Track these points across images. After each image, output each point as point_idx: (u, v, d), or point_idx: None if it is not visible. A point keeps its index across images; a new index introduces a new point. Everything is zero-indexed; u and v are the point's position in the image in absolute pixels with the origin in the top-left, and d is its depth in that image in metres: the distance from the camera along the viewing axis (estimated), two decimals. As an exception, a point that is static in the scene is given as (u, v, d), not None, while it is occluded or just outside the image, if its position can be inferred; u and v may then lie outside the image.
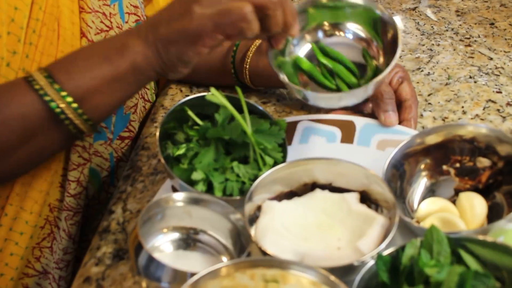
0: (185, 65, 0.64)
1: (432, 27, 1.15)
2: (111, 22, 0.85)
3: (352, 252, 0.57)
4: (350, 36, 0.74)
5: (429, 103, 0.90)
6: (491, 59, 1.02)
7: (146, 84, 0.72)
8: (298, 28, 0.65)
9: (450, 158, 0.68)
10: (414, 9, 1.22)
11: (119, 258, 0.68)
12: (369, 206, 0.63)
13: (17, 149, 0.65)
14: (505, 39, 1.08)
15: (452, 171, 0.68)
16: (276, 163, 0.67)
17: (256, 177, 0.64)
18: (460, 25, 1.14)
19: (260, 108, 0.72)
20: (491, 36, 1.09)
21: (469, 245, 0.54)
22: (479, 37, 1.09)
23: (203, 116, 0.72)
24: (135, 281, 0.63)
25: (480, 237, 0.53)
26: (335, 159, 0.66)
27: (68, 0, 0.79)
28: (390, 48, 0.69)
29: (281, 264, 0.50)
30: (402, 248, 0.55)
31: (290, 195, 0.66)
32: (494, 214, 0.63)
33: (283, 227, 0.61)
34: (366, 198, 0.64)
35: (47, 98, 0.62)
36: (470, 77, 0.96)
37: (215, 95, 0.66)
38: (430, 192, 0.69)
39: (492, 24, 1.14)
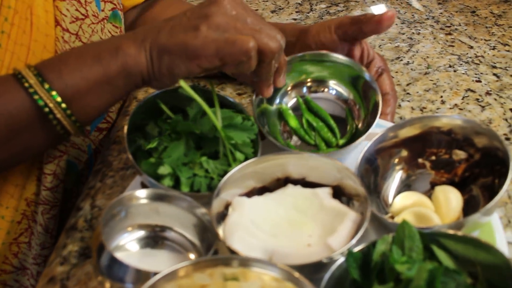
0: (172, 78, 0.63)
1: (413, 15, 1.13)
2: (86, 10, 0.82)
3: (322, 249, 0.55)
4: (334, 93, 0.76)
5: (408, 93, 0.88)
6: (472, 47, 1.00)
7: (133, 90, 0.70)
8: (284, 81, 0.69)
9: (425, 151, 0.66)
10: (394, -3, 1.20)
11: (85, 256, 0.66)
12: (342, 201, 0.61)
13: (1, 145, 0.63)
14: (486, 27, 1.06)
15: (427, 164, 0.67)
16: (247, 159, 0.65)
17: (225, 173, 0.62)
18: (441, 13, 1.13)
19: (232, 100, 0.70)
20: (472, 24, 1.08)
21: (442, 240, 0.52)
22: (460, 25, 1.08)
23: (178, 110, 0.69)
24: (100, 281, 0.61)
25: (453, 232, 0.52)
26: (308, 153, 0.64)
27: None
28: (371, 110, 0.71)
29: (243, 262, 0.48)
30: (373, 244, 0.53)
31: (262, 190, 0.64)
32: (470, 208, 0.61)
33: (252, 224, 0.59)
34: (339, 193, 0.62)
35: (36, 97, 0.61)
36: (450, 66, 0.95)
37: (184, 88, 0.63)
38: (406, 186, 0.67)
39: (474, 12, 1.12)
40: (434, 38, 1.04)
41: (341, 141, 0.72)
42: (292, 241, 0.57)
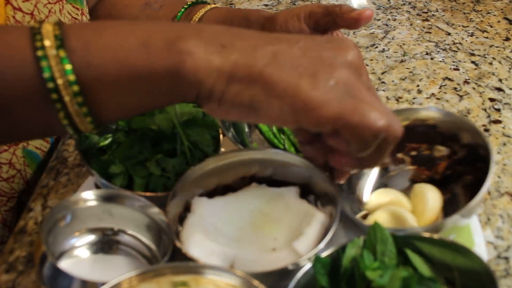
0: (246, 116, 0.46)
1: (388, 0, 1.08)
2: None
3: (288, 254, 0.50)
4: None
5: (383, 82, 0.84)
6: (449, 34, 0.96)
7: (174, 103, 0.53)
8: None
9: (405, 146, 0.62)
10: (370, -18, 1.15)
11: (33, 263, 0.60)
12: (310, 201, 0.56)
13: None
14: (464, 13, 1.02)
15: (407, 159, 0.62)
16: (207, 157, 0.60)
17: (184, 172, 0.57)
18: (418, -2, 1.08)
19: None
20: (450, 10, 1.04)
21: (417, 244, 0.48)
22: (437, 11, 1.03)
23: None
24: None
25: (428, 235, 0.47)
26: (274, 149, 0.60)
27: None
28: None
29: (196, 270, 0.43)
30: (342, 249, 0.48)
31: (225, 190, 0.59)
32: (450, 208, 0.56)
33: (212, 227, 0.54)
34: (307, 192, 0.57)
35: (43, 64, 0.43)
36: (427, 54, 0.90)
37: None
38: (383, 183, 0.62)
39: (451, -3, 1.08)
40: (411, 25, 0.99)
41: None
42: (256, 245, 0.53)
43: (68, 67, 0.43)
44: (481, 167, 0.54)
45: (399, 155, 0.62)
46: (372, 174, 0.62)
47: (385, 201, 0.58)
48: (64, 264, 0.52)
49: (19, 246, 0.63)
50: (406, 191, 0.60)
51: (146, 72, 0.44)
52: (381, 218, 0.55)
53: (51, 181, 0.71)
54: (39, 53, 0.43)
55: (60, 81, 0.43)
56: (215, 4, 0.79)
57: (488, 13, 1.02)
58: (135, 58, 0.44)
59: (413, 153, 0.62)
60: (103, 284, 0.44)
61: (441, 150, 0.60)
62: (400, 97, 0.80)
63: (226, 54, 0.44)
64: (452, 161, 0.60)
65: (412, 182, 0.61)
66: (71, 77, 0.43)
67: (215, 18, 0.76)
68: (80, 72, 0.43)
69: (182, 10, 0.79)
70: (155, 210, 0.54)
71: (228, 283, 0.43)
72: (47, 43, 0.43)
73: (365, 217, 0.58)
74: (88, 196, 0.53)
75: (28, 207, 0.68)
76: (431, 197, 0.56)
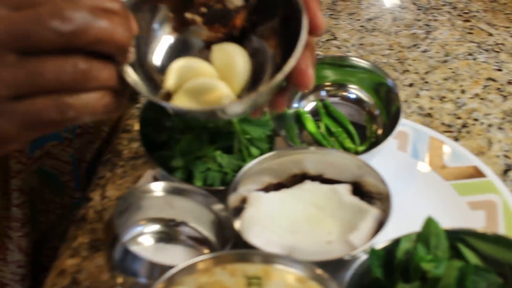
0: None
1: (429, 1, 1.09)
2: None
3: (343, 246, 0.53)
4: (354, 97, 0.73)
5: (426, 82, 0.86)
6: (491, 35, 0.97)
7: None
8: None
9: (192, 2, 0.53)
10: (410, -18, 1.17)
11: (96, 249, 0.64)
12: (361, 198, 0.59)
13: None
14: (505, 13, 1.03)
15: (198, 19, 0.52)
16: (262, 155, 0.63)
17: (239, 168, 0.60)
18: (459, -1, 1.09)
19: None
20: (491, 10, 1.05)
21: (469, 239, 0.50)
22: (478, 12, 1.04)
23: None
24: (112, 275, 0.59)
25: (481, 231, 0.49)
26: (326, 148, 0.62)
27: None
28: (393, 117, 0.68)
29: (265, 258, 0.45)
30: (396, 242, 0.51)
31: (278, 186, 0.62)
32: (259, 61, 0.51)
33: (269, 219, 0.57)
34: (358, 190, 0.60)
35: None
36: (469, 54, 0.92)
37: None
38: (177, 51, 0.53)
39: (492, -3, 1.09)
40: (452, 25, 1.01)
41: (360, 148, 0.69)
42: (311, 237, 0.55)
43: None
44: (283, 10, 0.49)
45: (188, 16, 0.53)
46: (162, 45, 0.53)
47: (188, 74, 0.50)
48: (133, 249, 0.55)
49: (82, 233, 0.66)
50: (203, 56, 0.52)
51: None
52: (187, 97, 0.48)
53: (107, 172, 0.75)
54: None
55: None
56: None
57: (530, 14, 1.03)
58: None
59: (203, 9, 0.53)
60: (171, 267, 0.47)
61: (234, 1, 0.52)
62: (444, 97, 0.82)
63: None
64: (249, 11, 0.52)
65: (207, 44, 0.53)
66: None
67: None
68: None
69: None
70: (215, 204, 0.57)
71: (296, 275, 0.45)
72: None
73: (168, 97, 0.50)
74: (154, 187, 0.56)
75: (87, 197, 0.72)
76: (237, 56, 0.50)
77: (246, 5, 0.52)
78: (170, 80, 0.50)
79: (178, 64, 0.50)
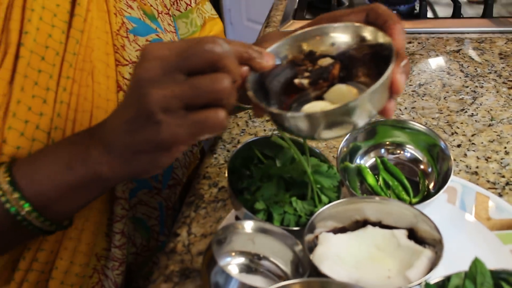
0: (159, 170, 0.59)
1: (475, 69, 1.20)
2: None
3: (401, 281, 0.63)
4: (409, 156, 0.84)
5: (473, 143, 0.96)
6: (533, 102, 1.06)
7: (113, 186, 0.75)
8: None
9: (297, 71, 0.65)
10: (458, 51, 1.28)
11: (186, 276, 0.75)
12: (416, 243, 0.68)
13: None
14: (547, 83, 1.13)
15: (305, 82, 0.64)
16: (331, 202, 0.74)
17: (311, 212, 0.71)
18: (503, 67, 1.20)
19: (318, 151, 0.80)
20: (534, 79, 1.14)
21: (511, 279, 0.59)
22: (521, 80, 1.14)
23: (267, 156, 0.79)
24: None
25: (520, 272, 0.59)
26: (385, 197, 0.72)
27: (102, 54, 0.78)
28: (444, 174, 0.78)
29: (339, 286, 0.56)
30: (447, 279, 0.60)
31: (342, 231, 0.72)
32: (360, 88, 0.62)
33: (337, 256, 0.67)
34: (413, 235, 0.70)
35: (7, 206, 0.62)
36: (513, 119, 1.01)
37: (283, 136, 0.73)
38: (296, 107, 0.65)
39: (535, 67, 1.19)
40: (497, 92, 1.11)
41: (414, 200, 0.79)
42: (373, 273, 0.65)
43: (23, 203, 0.62)
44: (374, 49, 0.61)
45: (297, 81, 0.64)
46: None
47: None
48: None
49: (172, 262, 0.78)
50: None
51: (78, 186, 0.62)
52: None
53: (192, 212, 0.87)
54: (2, 198, 0.62)
55: (23, 213, 0.62)
56: None
57: None
58: (66, 179, 0.62)
59: (306, 74, 0.64)
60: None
61: (325, 61, 0.64)
62: (489, 157, 0.92)
63: (113, 149, 0.58)
64: (341, 60, 0.64)
65: (316, 99, 0.64)
66: (28, 208, 0.62)
67: None
68: (35, 201, 0.62)
69: None
70: (292, 241, 0.68)
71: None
72: (4, 187, 0.62)
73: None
74: (246, 225, 0.67)
75: (175, 232, 0.84)
76: (344, 87, 0.62)
77: (337, 59, 0.64)
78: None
79: (308, 106, 0.62)
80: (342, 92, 0.62)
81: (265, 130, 1.05)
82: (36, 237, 0.73)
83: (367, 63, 0.64)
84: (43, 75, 0.71)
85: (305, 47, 0.65)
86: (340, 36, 0.64)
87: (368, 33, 0.63)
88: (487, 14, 1.41)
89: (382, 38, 0.61)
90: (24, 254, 0.74)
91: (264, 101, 0.61)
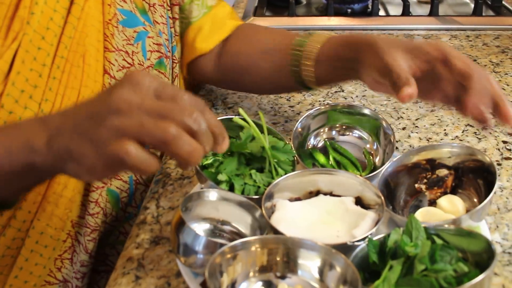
0: (86, 175, 0.60)
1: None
2: (132, 60, 0.92)
3: (349, 238, 0.71)
4: (356, 136, 0.93)
5: (416, 126, 1.05)
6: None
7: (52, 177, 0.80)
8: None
9: (418, 177, 0.82)
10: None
11: (156, 243, 0.82)
12: (362, 207, 0.77)
13: None
14: (485, 74, 1.24)
15: (423, 187, 0.82)
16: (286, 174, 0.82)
17: (269, 184, 0.78)
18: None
19: (274, 130, 0.88)
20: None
21: (441, 233, 0.68)
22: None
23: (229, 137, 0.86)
24: (170, 261, 0.77)
25: (449, 226, 0.68)
26: (335, 169, 0.81)
27: (94, 40, 0.86)
28: (387, 149, 0.89)
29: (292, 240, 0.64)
30: (388, 235, 0.69)
31: (297, 201, 0.80)
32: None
33: (293, 220, 0.75)
34: (360, 202, 0.78)
35: None
36: (453, 106, 1.12)
37: (243, 116, 0.81)
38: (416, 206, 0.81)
39: (475, 61, 1.30)
40: (440, 82, 1.21)
41: (363, 173, 0.88)
42: (324, 233, 0.74)
43: None
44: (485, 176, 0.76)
45: (417, 186, 0.82)
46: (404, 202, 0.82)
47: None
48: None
49: (143, 232, 0.85)
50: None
51: (13, 172, 0.63)
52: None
53: (160, 189, 0.94)
54: None
55: None
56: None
57: (506, 74, 1.23)
58: (3, 164, 0.63)
59: (425, 180, 0.82)
60: (222, 245, 0.65)
61: (442, 171, 0.80)
62: (430, 138, 1.02)
63: (57, 141, 0.59)
64: (455, 174, 0.79)
65: (430, 202, 0.80)
66: None
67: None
68: None
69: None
70: (252, 207, 0.75)
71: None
72: None
73: None
74: (210, 194, 0.75)
75: (145, 206, 0.90)
76: (456, 200, 0.76)
77: (452, 171, 0.78)
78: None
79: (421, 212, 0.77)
80: (452, 202, 0.76)
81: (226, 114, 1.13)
82: None
83: (472, 177, 0.78)
84: (41, 52, 0.79)
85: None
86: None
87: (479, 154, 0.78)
88: (433, 12, 1.53)
89: (487, 159, 0.76)
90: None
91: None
